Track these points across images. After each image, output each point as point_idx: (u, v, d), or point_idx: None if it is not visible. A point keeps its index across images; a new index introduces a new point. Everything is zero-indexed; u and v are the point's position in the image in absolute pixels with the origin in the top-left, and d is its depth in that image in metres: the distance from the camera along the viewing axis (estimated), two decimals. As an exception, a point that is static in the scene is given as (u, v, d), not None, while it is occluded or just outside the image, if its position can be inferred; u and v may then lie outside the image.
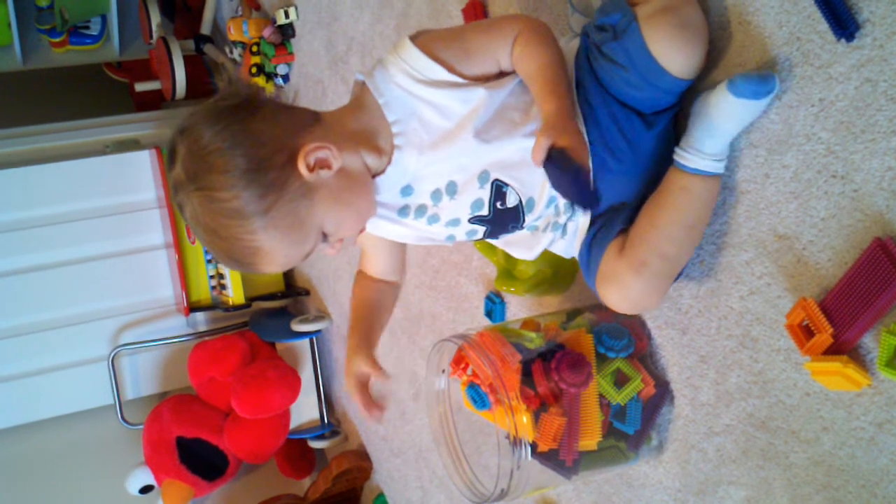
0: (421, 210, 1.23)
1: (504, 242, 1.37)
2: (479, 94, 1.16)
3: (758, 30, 1.09)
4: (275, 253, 1.13)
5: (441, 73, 1.15)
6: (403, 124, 1.16)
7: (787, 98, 1.07)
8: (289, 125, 1.14)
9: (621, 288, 1.18)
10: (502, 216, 1.24)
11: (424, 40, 1.17)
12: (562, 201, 1.23)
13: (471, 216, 1.24)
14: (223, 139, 1.08)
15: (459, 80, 1.16)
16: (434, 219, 1.24)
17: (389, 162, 1.17)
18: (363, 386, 1.30)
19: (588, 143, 1.07)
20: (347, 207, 1.16)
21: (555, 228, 1.27)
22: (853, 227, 1.02)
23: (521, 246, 1.34)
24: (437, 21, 1.88)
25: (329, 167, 1.12)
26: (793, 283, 1.11)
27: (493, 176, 1.20)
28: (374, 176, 1.19)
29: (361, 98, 1.19)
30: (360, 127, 1.17)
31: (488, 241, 1.34)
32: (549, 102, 1.11)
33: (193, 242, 3.01)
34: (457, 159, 1.18)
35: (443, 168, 1.19)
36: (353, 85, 1.23)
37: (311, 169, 1.11)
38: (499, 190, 1.21)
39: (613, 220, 1.22)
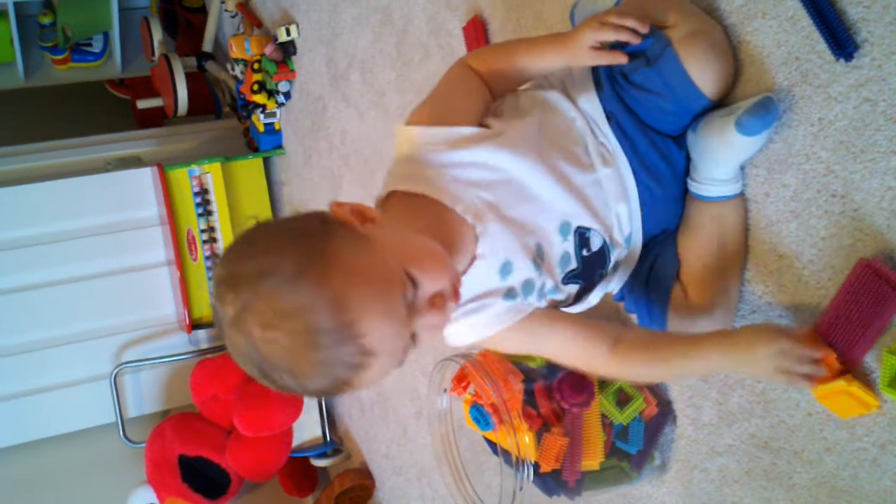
0: (528, 286, 1.11)
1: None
2: (502, 134, 1.09)
3: (757, 49, 1.09)
4: (368, 311, 0.91)
5: (453, 133, 1.07)
6: (464, 201, 1.04)
7: (786, 117, 1.07)
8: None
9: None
10: (590, 264, 1.16)
11: (416, 118, 1.10)
12: (621, 236, 1.18)
13: (562, 275, 1.14)
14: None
15: (472, 130, 1.08)
16: (542, 292, 1.12)
17: (477, 240, 1.06)
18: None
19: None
20: (413, 242, 0.99)
21: (611, 266, 1.21)
22: (853, 246, 1.01)
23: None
24: (436, 38, 1.88)
25: (372, 220, 0.99)
26: (794, 301, 1.11)
27: (575, 224, 1.12)
28: (469, 265, 1.06)
29: (401, 206, 1.05)
30: (423, 227, 1.02)
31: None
32: (549, 47, 1.13)
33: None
34: (534, 213, 1.10)
35: (528, 227, 1.09)
36: (376, 204, 1.08)
37: (350, 214, 0.99)
38: (582, 237, 1.14)
39: (663, 263, 1.21)
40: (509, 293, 1.10)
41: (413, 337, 0.97)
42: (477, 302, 1.09)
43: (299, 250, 0.92)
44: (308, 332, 0.89)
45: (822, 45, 1.00)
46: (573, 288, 1.17)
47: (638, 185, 1.16)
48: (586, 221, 1.13)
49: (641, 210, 1.18)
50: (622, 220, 1.17)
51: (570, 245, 1.13)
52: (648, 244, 1.23)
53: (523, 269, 1.09)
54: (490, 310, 1.09)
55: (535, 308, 1.13)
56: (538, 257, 1.10)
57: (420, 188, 1.04)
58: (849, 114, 0.99)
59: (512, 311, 1.11)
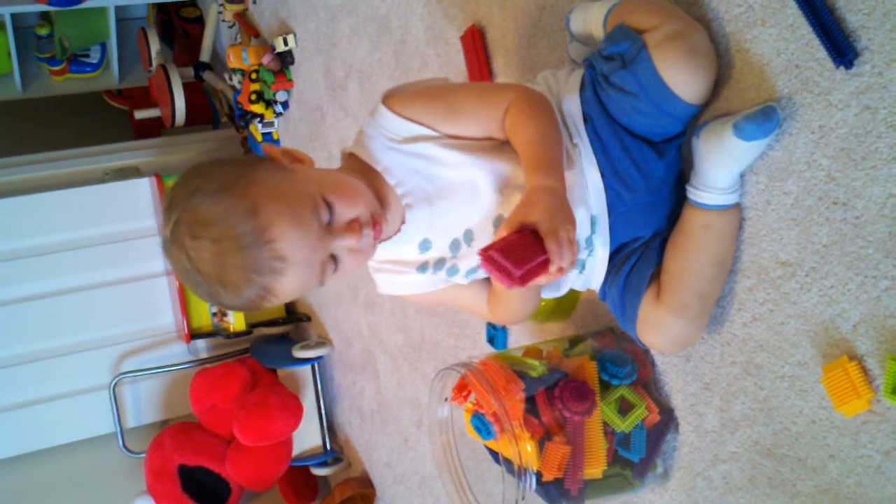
0: (440, 263, 1.22)
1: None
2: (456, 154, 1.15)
3: (756, 57, 1.09)
4: (280, 219, 1.01)
5: (418, 129, 1.15)
6: (406, 185, 1.15)
7: (786, 125, 1.07)
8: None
9: (665, 333, 1.20)
10: None
11: (400, 100, 1.16)
12: (582, 238, 1.22)
13: None
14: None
15: (436, 134, 1.15)
16: (453, 270, 1.23)
17: (403, 221, 1.17)
18: None
19: (574, 218, 1.04)
20: (336, 178, 1.12)
21: (576, 265, 1.25)
22: (855, 253, 1.01)
23: (548, 287, 1.31)
24: (434, 47, 1.89)
25: (301, 161, 1.13)
26: (796, 309, 1.11)
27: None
28: (390, 237, 1.18)
29: (353, 167, 1.18)
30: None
31: None
32: (533, 179, 1.07)
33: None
34: (468, 204, 1.16)
35: (459, 216, 1.18)
36: (341, 158, 1.22)
37: (280, 154, 1.12)
38: None
39: (641, 264, 1.22)
40: (422, 266, 1.22)
41: (335, 259, 1.08)
42: (396, 265, 1.23)
43: (226, 171, 1.05)
44: (227, 238, 1.00)
45: (822, 53, 1.00)
46: None
47: (607, 189, 1.19)
48: None
49: (609, 215, 1.20)
50: (581, 223, 1.19)
51: None
52: (623, 249, 1.24)
53: (439, 250, 1.21)
54: (404, 276, 1.24)
55: (449, 283, 1.26)
56: (464, 241, 1.20)
57: (370, 161, 1.15)
58: (849, 121, 0.99)
59: (424, 283, 1.25)
